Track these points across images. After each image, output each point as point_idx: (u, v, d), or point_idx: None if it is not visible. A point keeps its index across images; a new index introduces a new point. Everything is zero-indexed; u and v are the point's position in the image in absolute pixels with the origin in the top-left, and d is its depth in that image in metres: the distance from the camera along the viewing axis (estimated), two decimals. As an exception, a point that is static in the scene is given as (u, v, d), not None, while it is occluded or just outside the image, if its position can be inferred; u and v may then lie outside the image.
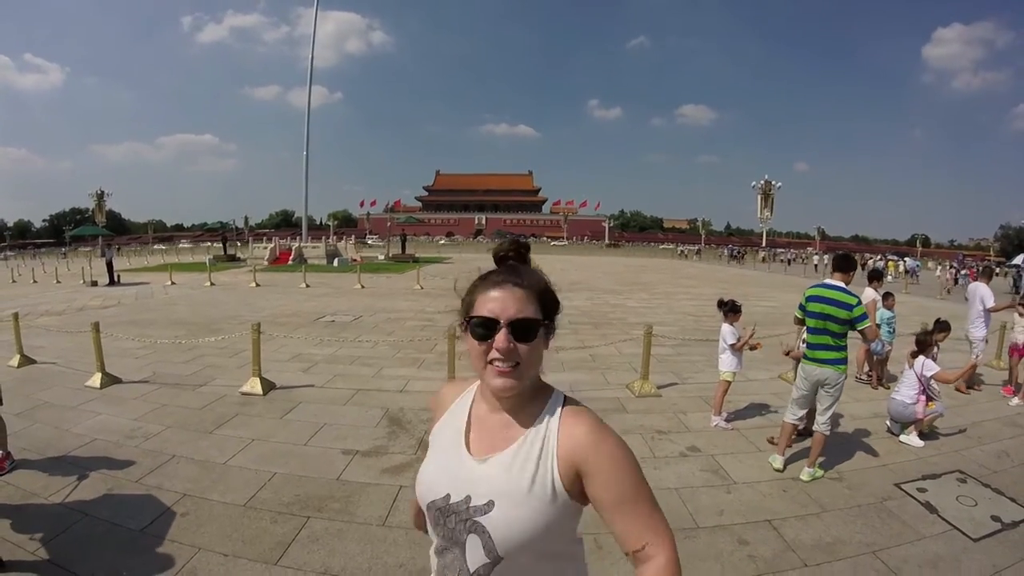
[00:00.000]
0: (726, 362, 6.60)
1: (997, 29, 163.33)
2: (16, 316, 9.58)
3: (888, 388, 8.12)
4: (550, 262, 44.19)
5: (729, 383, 6.62)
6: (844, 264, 5.43)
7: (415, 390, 7.72)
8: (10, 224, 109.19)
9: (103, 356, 8.17)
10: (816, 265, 50.11)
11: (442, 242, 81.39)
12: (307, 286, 21.74)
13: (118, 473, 5.08)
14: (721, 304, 6.81)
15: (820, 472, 5.29)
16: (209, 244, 63.58)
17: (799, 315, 5.57)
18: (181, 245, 69.92)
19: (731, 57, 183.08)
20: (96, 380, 8.03)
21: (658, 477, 5.08)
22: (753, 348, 6.64)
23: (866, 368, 9.15)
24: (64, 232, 60.08)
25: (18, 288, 23.26)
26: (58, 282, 25.72)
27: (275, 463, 5.29)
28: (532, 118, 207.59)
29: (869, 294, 8.76)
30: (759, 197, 66.38)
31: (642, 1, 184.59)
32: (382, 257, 40.83)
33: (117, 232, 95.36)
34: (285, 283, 23.63)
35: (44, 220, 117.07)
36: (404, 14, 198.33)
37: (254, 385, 7.65)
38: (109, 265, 25.08)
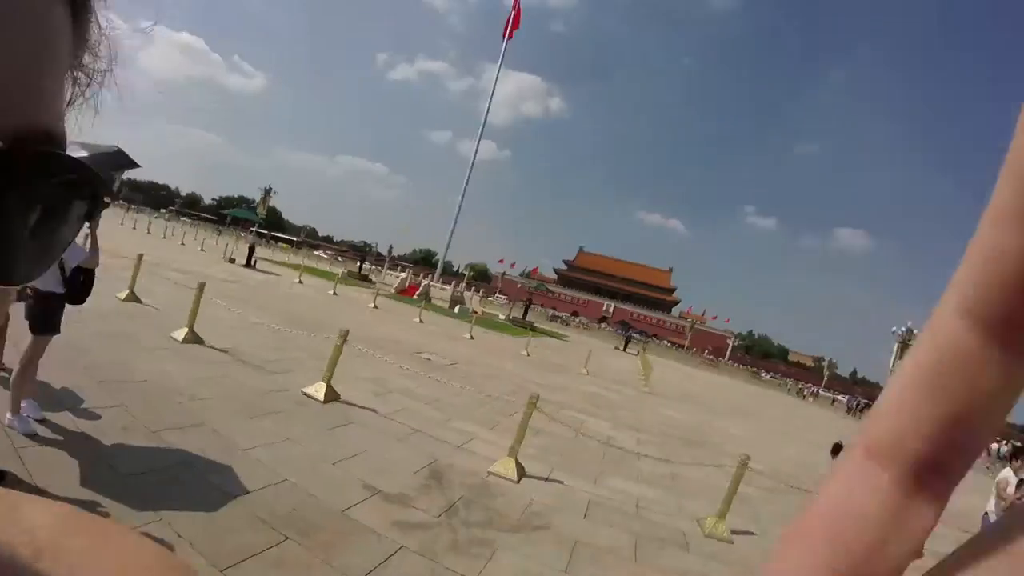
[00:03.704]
0: None
1: None
2: (140, 257, 10.14)
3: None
4: (666, 367, 43.15)
5: None
6: None
7: (474, 450, 7.28)
8: (183, 193, 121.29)
9: (196, 315, 8.38)
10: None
11: (562, 317, 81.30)
12: (421, 322, 22.01)
13: (144, 417, 5.03)
14: (837, 449, 5.84)
15: None
16: (348, 260, 67.09)
17: None
18: (320, 255, 74.05)
19: (903, 187, 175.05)
20: (181, 334, 8.28)
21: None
22: None
23: None
24: (225, 213, 65.69)
25: (166, 244, 25.20)
26: (202, 250, 27.61)
27: (293, 470, 5.03)
28: (685, 214, 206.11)
29: (1005, 474, 7.19)
30: (896, 347, 61.14)
31: (821, 108, 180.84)
32: (503, 317, 41.08)
33: (273, 227, 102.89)
34: (402, 313, 24.10)
35: (213, 199, 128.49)
36: (584, 86, 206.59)
37: (319, 390, 7.54)
38: (251, 249, 26.78)
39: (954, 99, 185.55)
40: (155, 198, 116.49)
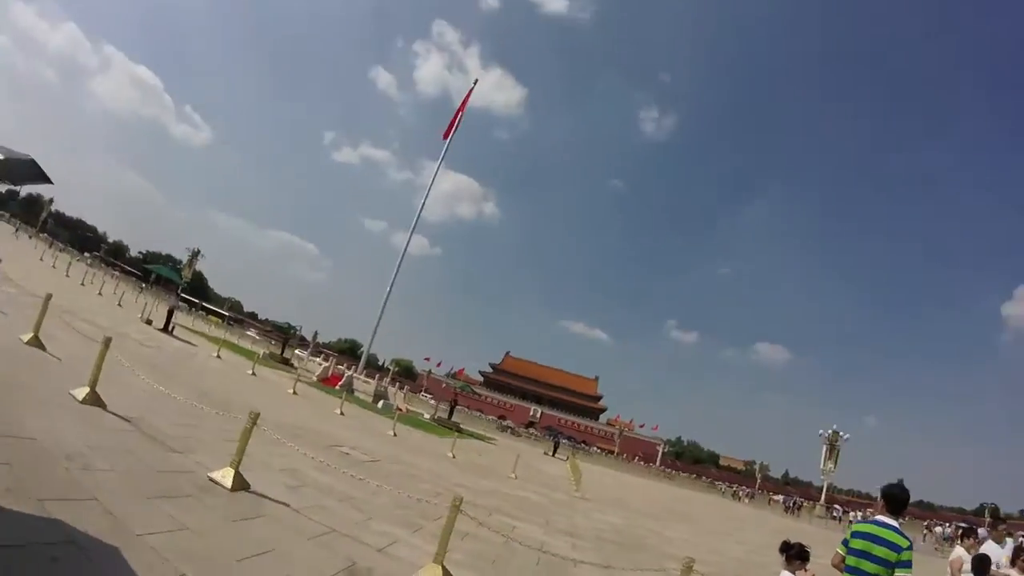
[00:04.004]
0: None
1: None
2: (48, 297, 9.38)
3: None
4: (596, 472, 42.63)
5: None
6: (896, 504, 4.79)
7: (397, 555, 6.61)
8: (110, 239, 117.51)
9: (101, 374, 7.65)
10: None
11: (488, 420, 79.90)
12: (342, 414, 21.01)
13: (28, 481, 4.32)
14: (787, 547, 5.56)
15: None
16: (271, 340, 64.95)
17: (841, 551, 4.79)
18: (252, 335, 71.49)
19: (814, 302, 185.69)
20: (81, 393, 7.58)
21: None
22: None
23: None
24: (150, 269, 63.68)
25: (83, 292, 23.97)
26: (120, 305, 26.34)
27: (192, 565, 4.38)
28: (610, 325, 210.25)
29: (958, 552, 7.79)
30: (824, 447, 62.94)
31: (738, 233, 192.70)
32: (428, 416, 39.99)
33: (198, 293, 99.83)
34: (322, 402, 23.08)
35: (140, 252, 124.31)
36: (518, 195, 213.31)
37: (226, 476, 6.82)
38: (170, 312, 25.65)
39: (855, 231, 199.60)
40: (80, 239, 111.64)
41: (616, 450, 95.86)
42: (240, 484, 6.86)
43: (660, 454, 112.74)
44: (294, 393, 21.77)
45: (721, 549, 16.45)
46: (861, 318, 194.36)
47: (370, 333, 42.94)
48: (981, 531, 9.48)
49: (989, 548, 7.68)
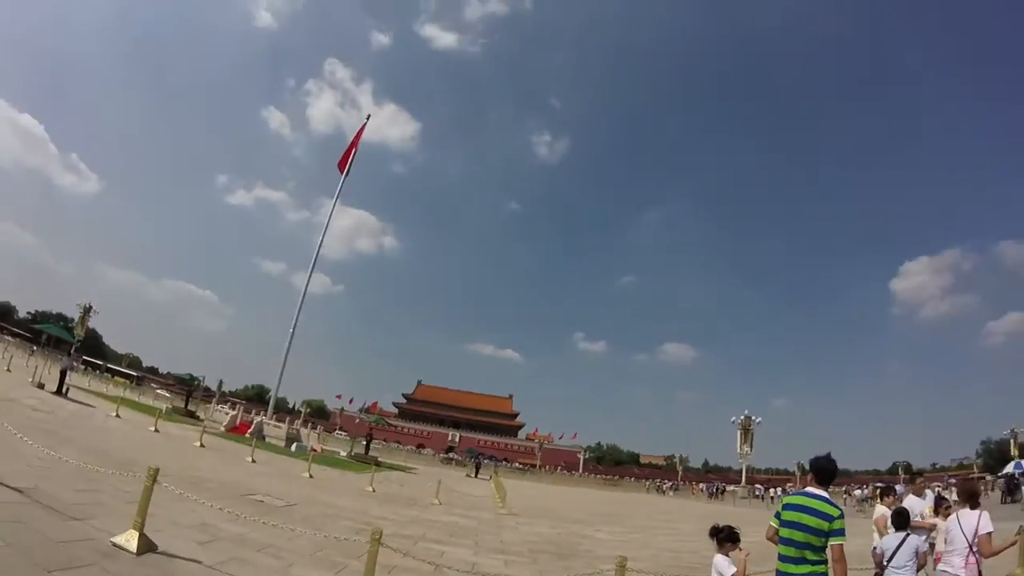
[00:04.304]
0: None
1: (963, 254, 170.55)
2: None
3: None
4: (520, 487, 42.72)
5: None
6: (825, 475, 5.00)
7: (320, 600, 6.42)
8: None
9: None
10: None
11: (406, 450, 78.75)
12: (253, 461, 20.24)
13: None
14: (716, 531, 5.68)
15: None
16: (173, 395, 61.91)
17: (774, 524, 4.97)
18: (163, 393, 67.59)
19: (712, 301, 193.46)
20: None
21: None
22: None
23: None
24: (40, 329, 59.60)
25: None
26: (8, 370, 24.64)
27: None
28: (519, 344, 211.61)
29: (881, 510, 8.19)
30: (739, 433, 65.42)
31: (633, 243, 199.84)
32: (344, 454, 39.03)
33: (93, 352, 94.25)
34: (232, 452, 22.19)
35: (29, 313, 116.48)
36: (418, 226, 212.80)
37: (129, 539, 6.46)
38: (63, 374, 24.16)
39: (745, 230, 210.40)
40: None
41: (538, 463, 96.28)
42: (146, 546, 6.51)
43: (582, 461, 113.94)
44: (201, 446, 20.82)
45: (653, 543, 16.73)
46: (760, 309, 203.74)
47: (277, 377, 41.75)
48: (899, 488, 10.15)
49: (911, 502, 8.13)
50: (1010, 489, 36.85)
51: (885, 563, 6.11)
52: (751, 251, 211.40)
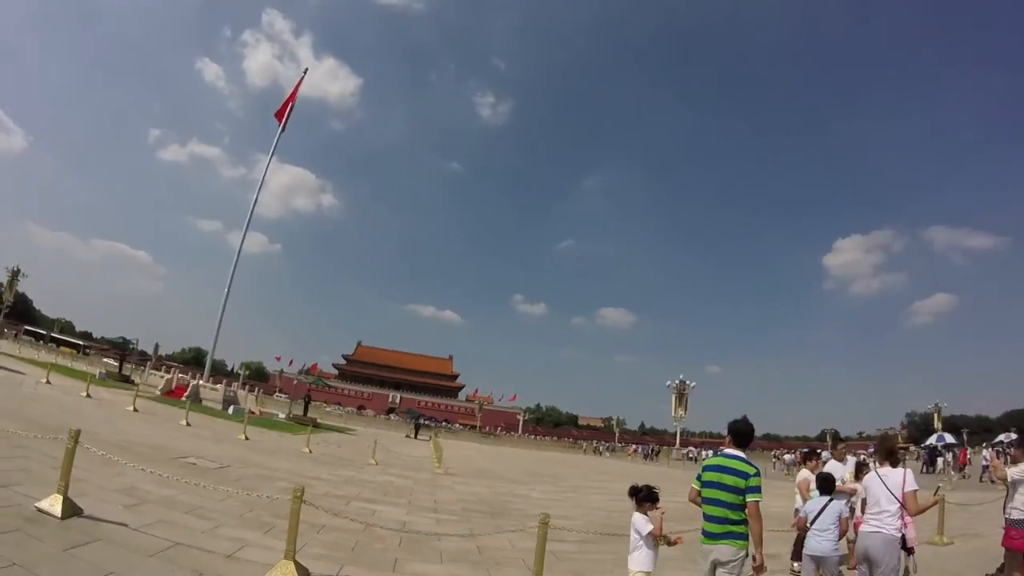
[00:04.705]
0: (639, 560, 5.44)
1: (895, 235, 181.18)
2: None
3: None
4: (460, 448, 43.50)
5: None
6: (741, 438, 5.23)
7: (246, 558, 6.44)
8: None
9: None
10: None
11: (346, 412, 78.31)
12: (187, 424, 19.89)
13: None
14: (635, 491, 5.80)
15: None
16: (108, 359, 59.84)
17: (696, 485, 5.22)
18: (109, 361, 64.93)
19: (651, 267, 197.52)
20: None
21: None
22: (672, 543, 5.62)
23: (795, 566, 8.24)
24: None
25: None
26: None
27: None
28: (459, 305, 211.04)
29: (804, 474, 8.46)
30: (674, 397, 67.64)
31: (574, 208, 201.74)
32: (282, 416, 38.66)
33: (23, 318, 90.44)
34: (166, 416, 21.73)
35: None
36: (356, 184, 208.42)
37: (54, 504, 6.34)
38: (-15, 343, 23.12)
39: (685, 198, 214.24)
40: None
41: (478, 424, 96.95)
42: (71, 510, 6.40)
43: (521, 422, 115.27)
44: (134, 410, 20.34)
45: (586, 502, 17.01)
46: (698, 277, 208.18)
47: (213, 339, 40.82)
48: (824, 453, 10.53)
49: (832, 467, 8.38)
50: (931, 459, 39.10)
51: (808, 525, 6.41)
52: (690, 219, 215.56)
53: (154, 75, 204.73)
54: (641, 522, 5.53)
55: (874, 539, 5.49)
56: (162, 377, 38.31)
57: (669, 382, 68.89)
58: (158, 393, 32.23)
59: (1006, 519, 6.98)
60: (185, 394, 31.75)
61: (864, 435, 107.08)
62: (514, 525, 11.02)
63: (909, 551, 5.47)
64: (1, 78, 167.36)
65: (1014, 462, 7.25)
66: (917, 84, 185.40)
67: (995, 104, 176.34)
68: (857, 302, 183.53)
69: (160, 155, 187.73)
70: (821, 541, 6.05)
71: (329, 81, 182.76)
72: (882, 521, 5.50)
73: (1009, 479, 6.94)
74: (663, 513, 5.56)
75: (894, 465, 5.84)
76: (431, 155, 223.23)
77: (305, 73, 48.10)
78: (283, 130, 43.64)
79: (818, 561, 6.03)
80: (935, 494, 5.73)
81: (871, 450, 42.68)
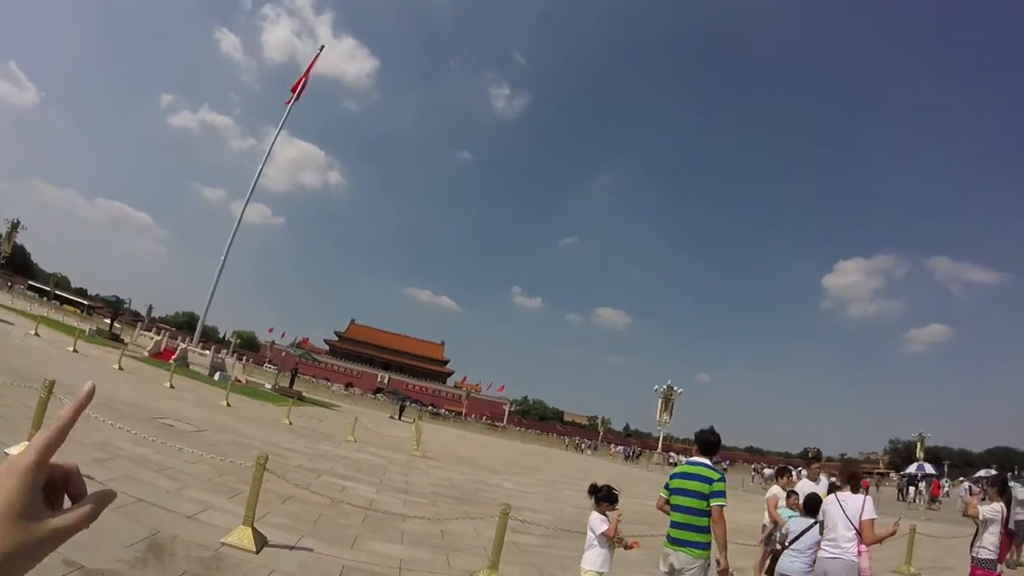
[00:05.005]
0: (591, 559, 5.42)
1: (896, 261, 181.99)
2: None
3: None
4: (442, 433, 43.32)
5: None
6: (707, 446, 5.34)
7: (208, 521, 6.42)
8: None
9: None
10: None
11: (334, 388, 78.19)
12: (171, 387, 19.86)
13: None
14: (594, 490, 5.74)
15: None
16: (101, 317, 59.58)
17: (664, 494, 5.30)
18: (102, 318, 64.34)
19: (651, 270, 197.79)
20: None
21: None
22: (628, 547, 5.59)
23: None
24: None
25: None
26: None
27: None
28: (456, 292, 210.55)
29: (774, 490, 8.49)
30: (660, 401, 67.34)
31: (580, 205, 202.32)
32: (269, 386, 38.59)
33: (20, 270, 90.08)
34: (151, 377, 21.68)
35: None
36: (364, 165, 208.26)
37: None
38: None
39: (692, 208, 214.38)
40: None
41: (464, 411, 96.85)
42: (37, 461, 6.42)
43: (507, 413, 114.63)
44: (120, 368, 20.31)
45: (559, 497, 16.87)
46: (697, 285, 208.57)
47: (206, 304, 40.77)
48: (804, 473, 10.44)
49: (804, 485, 8.45)
50: (908, 487, 39.12)
51: (787, 544, 6.37)
52: (696, 226, 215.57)
53: (171, 40, 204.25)
54: (597, 521, 5.51)
55: (834, 564, 5.47)
56: (152, 339, 38.13)
57: (657, 386, 68.73)
58: (146, 354, 32.17)
59: (973, 557, 6.94)
60: (173, 357, 31.66)
61: (846, 456, 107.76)
62: (482, 513, 10.89)
63: None
64: (16, 33, 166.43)
65: (989, 500, 7.22)
66: (940, 114, 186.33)
67: (1014, 141, 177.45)
68: (853, 324, 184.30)
69: (171, 120, 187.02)
70: (795, 562, 6.01)
71: (347, 61, 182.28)
72: (840, 547, 5.48)
73: (981, 517, 6.88)
74: (620, 515, 5.52)
75: (855, 491, 5.79)
76: (442, 143, 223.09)
77: (321, 50, 48.12)
78: (297, 99, 43.41)
79: None
80: (895, 524, 5.61)
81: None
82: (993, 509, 6.85)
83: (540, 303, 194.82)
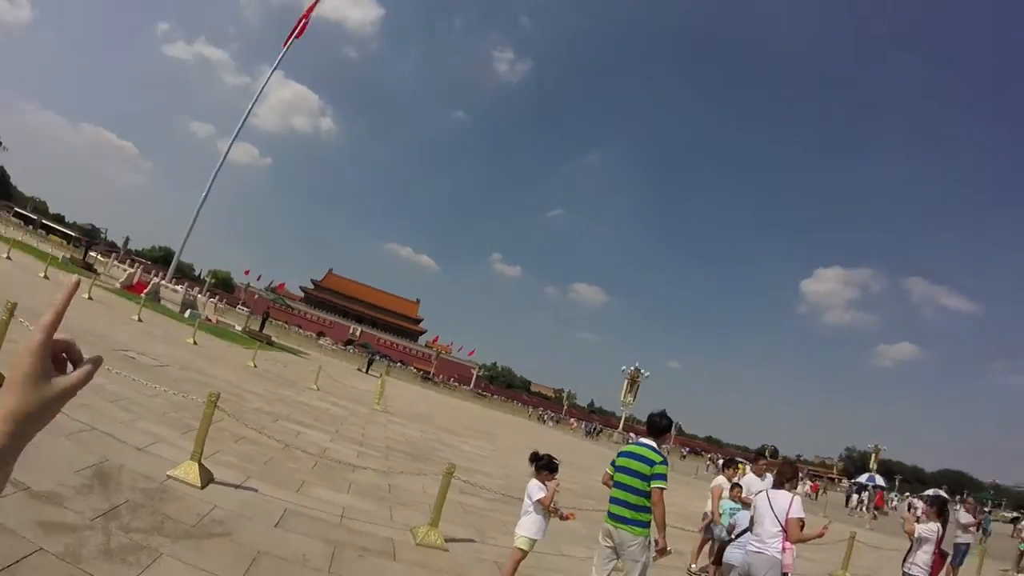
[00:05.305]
0: (526, 525, 5.61)
1: (875, 276, 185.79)
2: None
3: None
4: (407, 390, 43.57)
5: (524, 552, 5.60)
6: (655, 429, 5.40)
7: (157, 454, 6.54)
8: None
9: None
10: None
11: (303, 335, 77.98)
12: (139, 320, 19.78)
13: None
14: (535, 457, 5.89)
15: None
16: (75, 246, 58.50)
17: (609, 470, 5.43)
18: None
19: (633, 252, 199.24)
20: None
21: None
22: (564, 518, 5.81)
23: (698, 564, 8.66)
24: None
25: None
26: None
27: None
28: (436, 252, 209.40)
29: (719, 480, 8.64)
30: (626, 382, 67.95)
31: (570, 179, 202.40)
32: (239, 328, 38.50)
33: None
34: (119, 309, 21.57)
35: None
36: (358, 114, 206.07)
37: (-23, 372, 6.34)
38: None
39: (681, 194, 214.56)
40: None
41: (433, 371, 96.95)
42: (-9, 382, 6.45)
43: (475, 377, 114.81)
44: (89, 298, 20.14)
45: (512, 464, 16.83)
46: (676, 270, 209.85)
47: (182, 239, 40.38)
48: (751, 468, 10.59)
49: (748, 480, 8.47)
50: (856, 494, 40.25)
51: (733, 536, 6.60)
52: (683, 216, 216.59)
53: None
54: (535, 488, 5.66)
55: (757, 559, 5.58)
56: (125, 271, 37.83)
57: (624, 367, 69.26)
58: (118, 286, 31.94)
59: (904, 573, 7.16)
60: (145, 291, 31.46)
61: (802, 458, 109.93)
62: (434, 471, 11.02)
63: None
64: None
65: (927, 519, 7.44)
66: (938, 138, 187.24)
67: (1005, 172, 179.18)
68: (826, 331, 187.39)
69: (165, 49, 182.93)
70: (736, 553, 6.28)
71: (350, 6, 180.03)
72: (764, 542, 5.58)
73: (916, 535, 7.10)
74: (558, 485, 5.71)
75: (791, 489, 5.85)
76: (438, 100, 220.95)
77: (326, -10, 46.97)
78: (291, 41, 42.60)
79: (729, 570, 6.27)
80: (824, 527, 5.74)
81: (800, 475, 43.26)
82: (929, 528, 7.04)
83: (519, 272, 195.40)
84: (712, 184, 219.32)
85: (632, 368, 68.45)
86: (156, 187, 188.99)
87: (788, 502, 5.58)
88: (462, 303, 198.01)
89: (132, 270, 37.29)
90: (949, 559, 8.81)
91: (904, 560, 7.23)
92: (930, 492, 39.31)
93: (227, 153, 40.37)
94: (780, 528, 5.51)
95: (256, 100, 42.92)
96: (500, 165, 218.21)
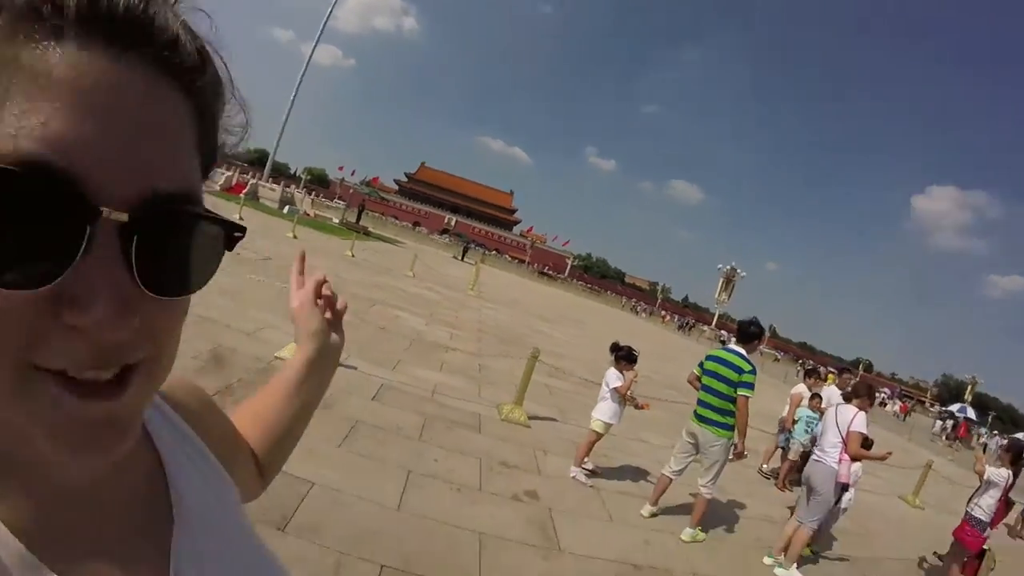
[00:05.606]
0: (602, 409, 5.92)
1: (990, 200, 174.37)
2: None
3: (793, 492, 7.68)
4: (501, 277, 44.06)
5: (599, 435, 5.92)
6: (745, 336, 5.43)
7: (265, 338, 6.96)
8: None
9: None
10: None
11: (399, 225, 79.63)
12: (240, 218, 20.46)
13: None
14: (616, 348, 6.09)
15: (702, 535, 5.29)
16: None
17: (696, 371, 5.53)
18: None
19: (735, 153, 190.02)
20: None
21: (468, 514, 4.38)
22: (639, 407, 6.03)
23: (769, 465, 8.82)
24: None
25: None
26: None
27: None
28: (529, 145, 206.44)
29: (799, 388, 8.76)
30: (721, 280, 67.15)
31: (668, 75, 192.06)
32: (336, 221, 39.58)
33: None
34: (222, 209, 20.69)
35: None
36: (441, 11, 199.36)
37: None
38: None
39: (790, 95, 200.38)
40: None
41: (527, 260, 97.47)
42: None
43: (569, 266, 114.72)
44: (192, 201, 21.04)
45: (601, 352, 16.71)
46: (778, 174, 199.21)
47: (275, 140, 41.20)
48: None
49: (829, 392, 8.38)
50: (942, 421, 39.05)
51: (811, 445, 6.56)
52: (788, 117, 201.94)
53: None
54: (613, 376, 5.89)
55: (816, 467, 5.59)
56: (223, 174, 39.10)
57: (720, 265, 67.51)
58: (217, 188, 33.10)
59: (967, 512, 6.87)
60: (244, 191, 32.60)
61: (896, 376, 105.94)
62: (523, 355, 11.42)
63: (844, 487, 5.50)
64: None
65: (1000, 463, 7.03)
66: None
67: None
68: (933, 252, 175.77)
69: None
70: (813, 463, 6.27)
71: None
72: (825, 451, 5.60)
73: (986, 477, 6.78)
74: (636, 376, 5.87)
75: (860, 407, 5.74)
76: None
77: None
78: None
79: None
80: (887, 452, 5.60)
81: (885, 392, 41.64)
82: (999, 473, 6.65)
83: (614, 166, 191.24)
84: (824, 85, 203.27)
85: (728, 267, 66.68)
86: (250, 93, 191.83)
87: (852, 415, 5.58)
88: (556, 196, 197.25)
89: (229, 173, 38.46)
90: (1022, 511, 8.33)
91: (969, 500, 6.93)
92: (1021, 435, 37.42)
93: (312, 52, 40.15)
94: (840, 440, 5.53)
95: (336, 2, 41.74)
96: (593, 58, 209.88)
